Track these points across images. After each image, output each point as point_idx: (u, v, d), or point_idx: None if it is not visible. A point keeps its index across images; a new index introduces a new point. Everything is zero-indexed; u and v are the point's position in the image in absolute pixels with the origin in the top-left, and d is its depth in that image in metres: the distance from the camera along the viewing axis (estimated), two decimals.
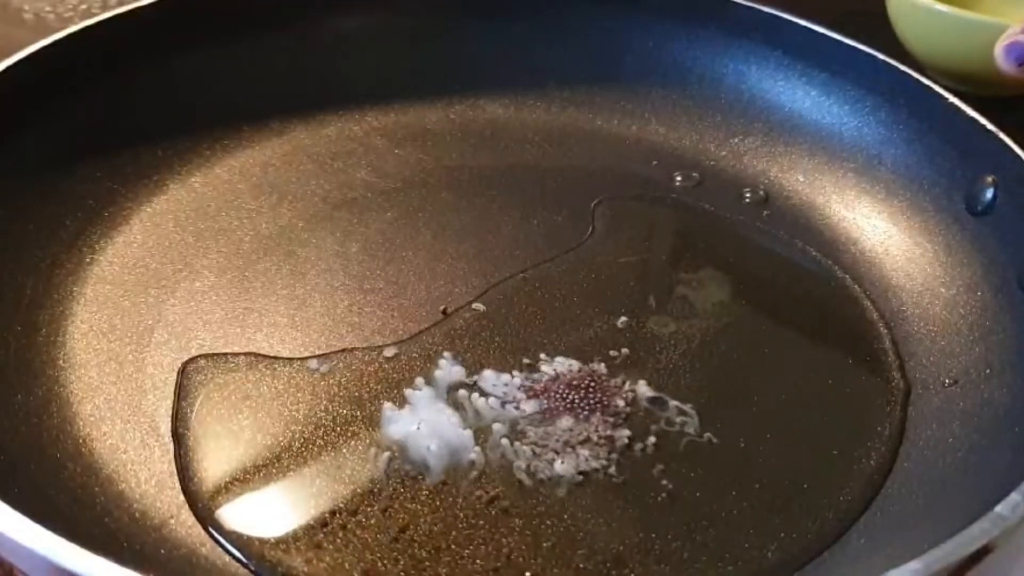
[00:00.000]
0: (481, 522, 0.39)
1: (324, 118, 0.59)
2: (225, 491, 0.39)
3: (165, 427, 0.41)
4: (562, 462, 0.41)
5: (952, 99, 0.52)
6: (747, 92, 0.60)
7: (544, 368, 0.45)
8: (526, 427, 0.42)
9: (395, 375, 0.44)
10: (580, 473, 0.40)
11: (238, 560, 0.37)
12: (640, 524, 0.39)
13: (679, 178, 0.58)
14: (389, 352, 0.45)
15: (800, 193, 0.57)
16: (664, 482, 0.40)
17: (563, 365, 0.45)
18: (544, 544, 0.38)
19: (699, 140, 0.60)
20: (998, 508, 0.33)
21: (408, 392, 0.43)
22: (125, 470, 0.40)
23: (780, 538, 0.39)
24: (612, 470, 0.41)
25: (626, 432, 0.42)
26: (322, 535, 0.38)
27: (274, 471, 0.40)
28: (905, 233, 0.53)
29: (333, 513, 0.38)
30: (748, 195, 0.57)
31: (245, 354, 0.45)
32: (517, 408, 0.43)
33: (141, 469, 0.40)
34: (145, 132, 0.53)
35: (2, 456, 0.37)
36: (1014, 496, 0.34)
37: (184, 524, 0.38)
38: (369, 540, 0.38)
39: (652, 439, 0.42)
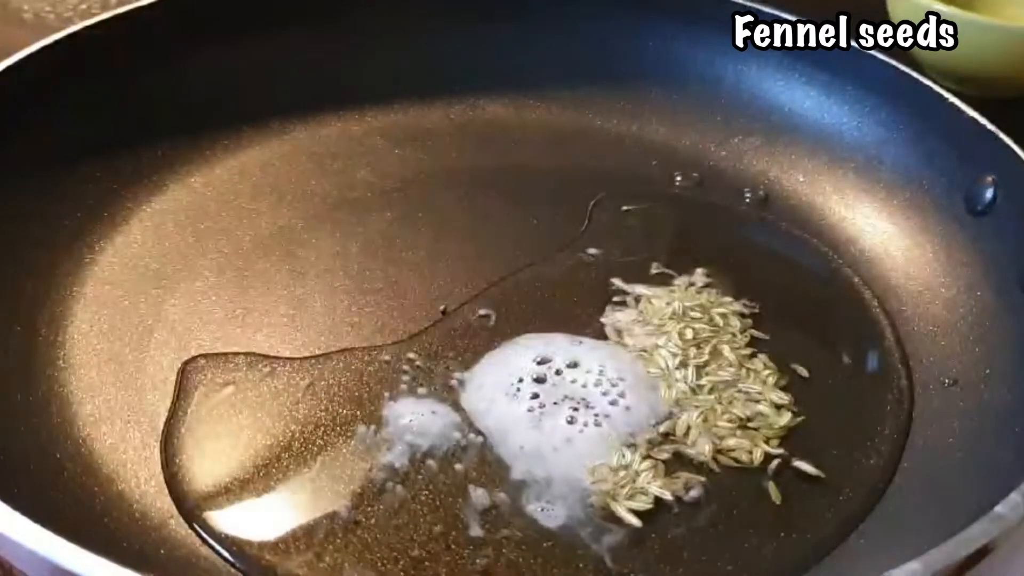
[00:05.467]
0: (481, 522, 0.39)
1: (324, 118, 0.59)
2: (225, 491, 0.39)
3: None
4: (561, 462, 0.41)
5: (952, 99, 0.52)
6: (747, 92, 0.60)
7: (544, 369, 0.45)
8: (526, 427, 0.42)
9: (395, 375, 0.44)
10: (579, 473, 0.40)
11: (237, 561, 0.37)
12: (640, 524, 0.39)
13: (679, 178, 0.58)
14: (389, 352, 0.45)
15: (800, 193, 0.57)
16: (664, 481, 0.40)
17: (563, 365, 0.45)
18: (544, 544, 0.38)
19: (699, 140, 0.60)
20: (998, 508, 0.33)
21: (408, 392, 0.43)
22: (125, 470, 0.40)
23: (780, 538, 0.39)
24: (612, 469, 0.41)
25: (625, 431, 0.42)
26: (322, 536, 0.38)
27: (274, 471, 0.40)
28: (905, 233, 0.53)
29: (333, 514, 0.38)
30: (748, 195, 0.57)
31: (245, 354, 0.45)
32: (517, 409, 0.43)
33: (141, 469, 0.40)
34: (145, 132, 0.53)
35: (2, 456, 0.37)
36: (1014, 496, 0.34)
37: (184, 524, 0.38)
38: (369, 540, 0.38)
39: (652, 437, 0.42)
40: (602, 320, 0.47)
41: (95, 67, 0.52)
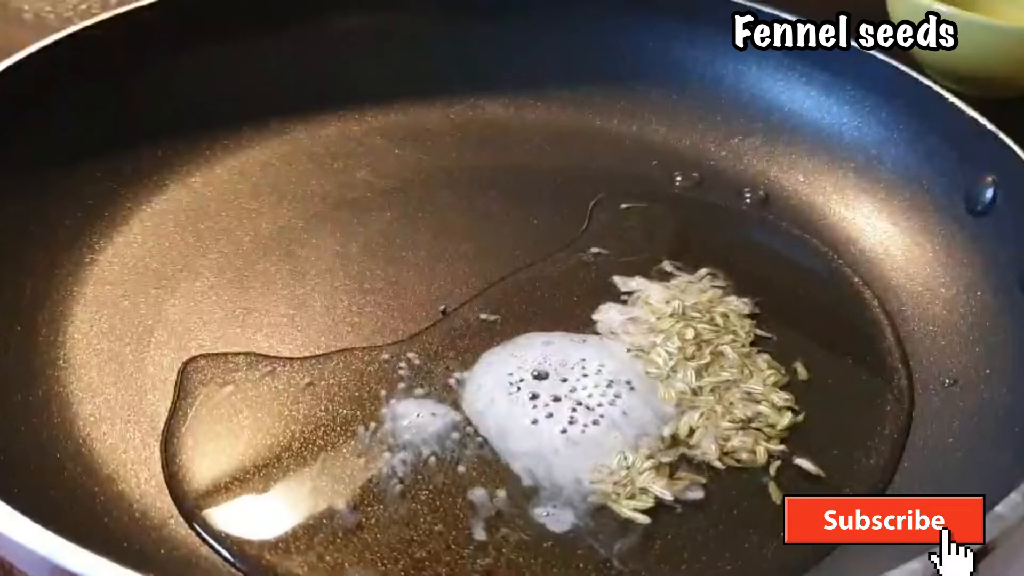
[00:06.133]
0: (481, 523, 0.39)
1: (324, 118, 0.59)
2: (225, 491, 0.39)
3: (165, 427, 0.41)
4: (561, 462, 0.41)
5: (952, 99, 0.52)
6: (747, 92, 0.60)
7: (544, 369, 0.45)
8: (526, 428, 0.42)
9: (395, 375, 0.44)
10: (580, 473, 0.40)
11: (238, 561, 0.37)
12: (641, 524, 0.39)
13: (679, 178, 0.58)
14: (389, 352, 0.45)
15: (800, 193, 0.57)
16: (665, 482, 0.40)
17: (562, 365, 0.45)
18: (545, 544, 0.38)
19: (699, 140, 0.60)
20: (998, 508, 0.33)
21: (407, 392, 0.43)
22: (125, 470, 0.40)
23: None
24: (612, 470, 0.41)
25: (626, 430, 0.42)
26: (322, 536, 0.38)
27: (274, 471, 0.40)
28: (905, 233, 0.53)
29: (333, 513, 0.38)
30: (748, 195, 0.57)
31: (245, 354, 0.44)
32: (517, 409, 0.43)
33: (141, 469, 0.40)
34: (145, 132, 0.53)
35: (2, 456, 0.37)
36: (1014, 496, 0.34)
37: (184, 524, 0.38)
38: (369, 540, 0.38)
39: (653, 437, 0.42)
40: (602, 320, 0.47)
41: (95, 67, 0.52)
